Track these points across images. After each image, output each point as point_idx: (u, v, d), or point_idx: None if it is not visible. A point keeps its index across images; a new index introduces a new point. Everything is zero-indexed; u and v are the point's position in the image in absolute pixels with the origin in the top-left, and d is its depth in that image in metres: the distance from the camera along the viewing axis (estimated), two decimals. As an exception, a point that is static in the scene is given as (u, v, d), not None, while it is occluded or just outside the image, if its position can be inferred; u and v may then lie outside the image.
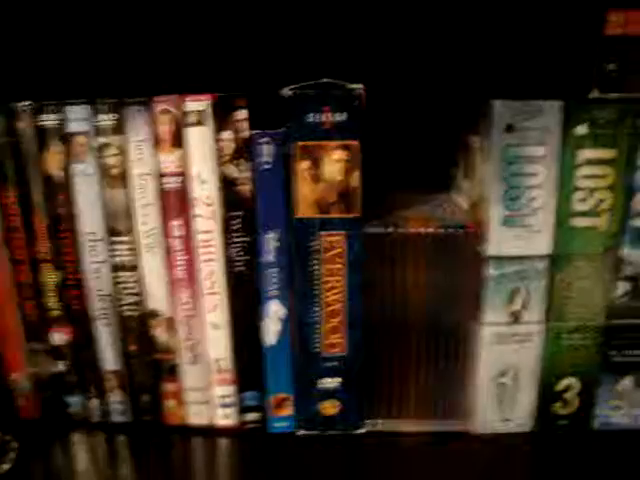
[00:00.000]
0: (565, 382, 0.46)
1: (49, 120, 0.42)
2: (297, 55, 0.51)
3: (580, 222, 0.43)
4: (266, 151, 0.41)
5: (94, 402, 0.48)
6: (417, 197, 0.50)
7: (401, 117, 0.54)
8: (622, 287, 0.45)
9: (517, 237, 0.43)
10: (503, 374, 0.46)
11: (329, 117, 0.40)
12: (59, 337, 0.46)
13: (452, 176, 0.53)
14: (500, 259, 0.44)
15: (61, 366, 0.47)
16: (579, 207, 0.43)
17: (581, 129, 0.42)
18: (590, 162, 0.42)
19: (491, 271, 0.44)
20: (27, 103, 0.42)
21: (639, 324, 0.45)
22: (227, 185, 0.42)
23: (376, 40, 0.53)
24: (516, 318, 0.45)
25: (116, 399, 0.48)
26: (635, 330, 0.46)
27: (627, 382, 0.47)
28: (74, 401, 0.48)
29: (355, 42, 0.52)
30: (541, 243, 0.43)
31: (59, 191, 0.43)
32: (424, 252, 0.44)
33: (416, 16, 0.53)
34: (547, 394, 0.47)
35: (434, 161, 0.52)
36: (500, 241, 0.43)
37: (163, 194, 0.43)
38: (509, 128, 0.41)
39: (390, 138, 0.54)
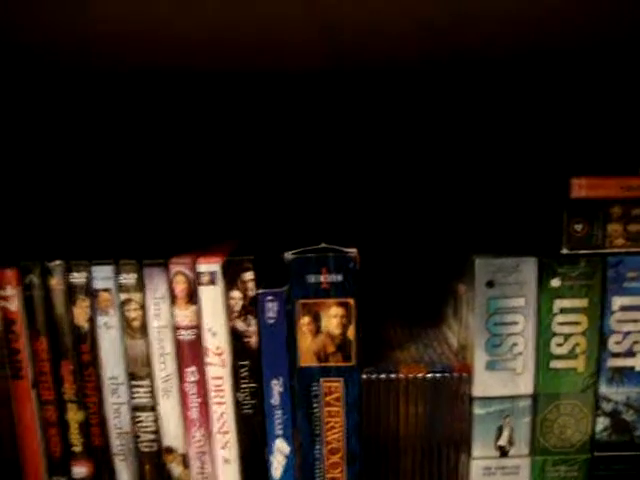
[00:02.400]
0: (553, 510, 0.49)
1: (78, 277, 0.47)
2: (298, 224, 0.58)
3: (558, 364, 0.47)
4: (271, 308, 0.46)
5: (112, 533, 0.51)
6: (411, 334, 0.55)
7: (397, 268, 0.61)
8: (602, 422, 0.48)
9: (501, 379, 0.47)
10: (494, 504, 0.49)
11: (327, 278, 0.45)
12: (80, 471, 0.50)
13: (443, 314, 0.58)
14: (485, 399, 0.47)
15: (82, 499, 0.51)
16: (557, 351, 0.47)
17: (555, 282, 0.46)
18: (565, 310, 0.46)
19: (477, 410, 0.48)
20: (59, 262, 0.47)
21: (621, 456, 0.49)
22: (236, 337, 0.47)
23: (372, 208, 0.61)
24: (503, 452, 0.48)
25: (132, 529, 0.51)
26: (617, 462, 0.49)
27: (613, 509, 0.50)
28: (93, 532, 0.51)
29: (353, 213, 0.60)
30: (523, 384, 0.47)
31: (85, 340, 0.48)
32: (415, 393, 0.48)
33: (406, 188, 0.62)
34: (537, 522, 0.49)
35: (427, 301, 0.58)
36: (485, 383, 0.47)
37: (178, 344, 0.47)
38: (490, 284, 0.46)
39: (389, 285, 0.60)
